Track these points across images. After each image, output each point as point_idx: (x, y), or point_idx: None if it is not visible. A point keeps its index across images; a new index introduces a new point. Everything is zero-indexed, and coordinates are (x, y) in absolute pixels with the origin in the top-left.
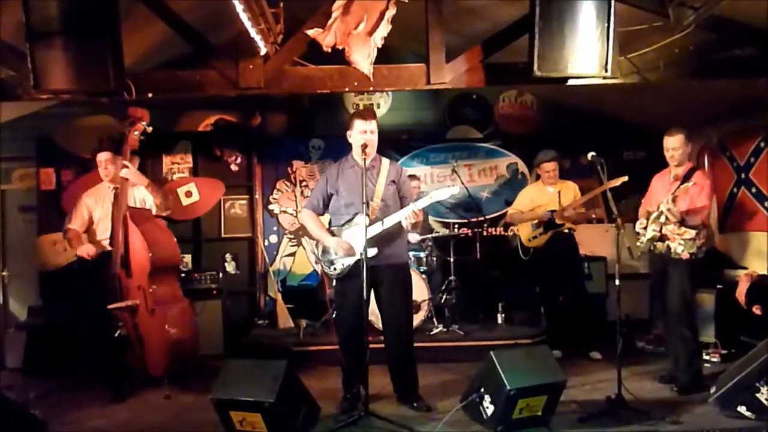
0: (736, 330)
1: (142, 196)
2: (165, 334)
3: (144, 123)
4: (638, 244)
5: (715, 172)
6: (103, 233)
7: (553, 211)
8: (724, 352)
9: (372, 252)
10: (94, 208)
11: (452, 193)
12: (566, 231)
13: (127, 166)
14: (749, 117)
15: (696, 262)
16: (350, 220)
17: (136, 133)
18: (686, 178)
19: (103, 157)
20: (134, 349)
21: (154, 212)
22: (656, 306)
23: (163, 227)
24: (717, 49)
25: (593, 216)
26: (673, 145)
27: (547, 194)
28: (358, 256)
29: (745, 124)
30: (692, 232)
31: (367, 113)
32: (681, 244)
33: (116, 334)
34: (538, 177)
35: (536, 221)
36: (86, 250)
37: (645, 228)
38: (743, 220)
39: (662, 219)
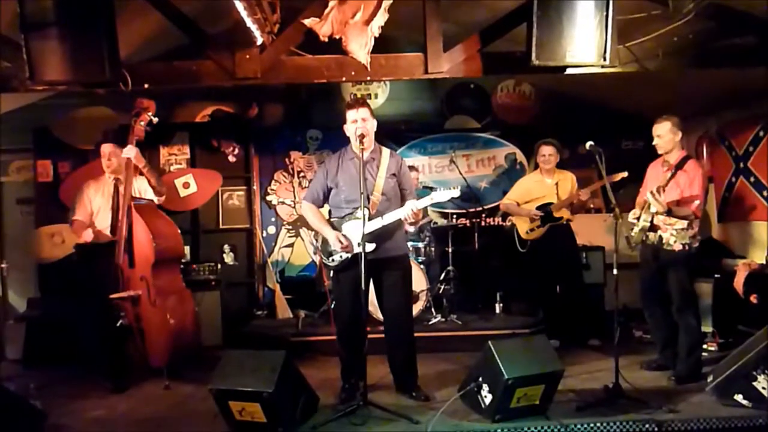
0: (734, 319)
1: (140, 186)
2: (167, 325)
3: (150, 113)
4: (632, 234)
5: (713, 162)
6: (102, 223)
7: (549, 204)
8: (721, 341)
9: (370, 247)
10: (94, 198)
11: (453, 195)
12: (564, 223)
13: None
14: (748, 106)
15: (690, 253)
16: (350, 214)
17: (142, 123)
18: (678, 167)
19: (106, 149)
20: (135, 339)
21: (156, 201)
22: (646, 296)
23: (167, 218)
24: (716, 37)
25: (591, 206)
26: (659, 132)
27: (545, 186)
28: (356, 249)
29: (744, 114)
30: (683, 223)
31: (355, 102)
32: (673, 234)
33: (118, 324)
34: (536, 167)
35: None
36: (87, 235)
37: (638, 218)
38: (742, 210)
39: (652, 209)
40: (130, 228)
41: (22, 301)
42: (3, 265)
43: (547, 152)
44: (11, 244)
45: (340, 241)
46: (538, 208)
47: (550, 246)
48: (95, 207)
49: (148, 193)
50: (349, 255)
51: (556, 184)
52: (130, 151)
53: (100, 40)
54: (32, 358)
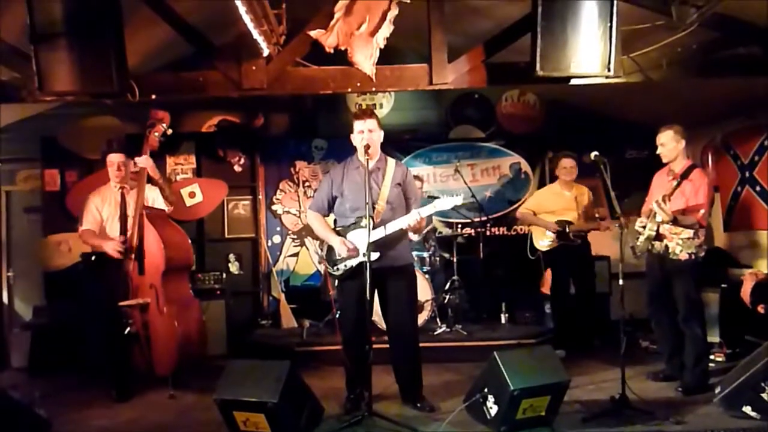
0: (741, 329)
1: (149, 195)
2: (174, 334)
3: (164, 125)
4: (637, 243)
5: (719, 171)
6: (111, 233)
7: (568, 223)
8: (728, 351)
9: (375, 256)
10: (102, 208)
11: (456, 203)
12: (578, 243)
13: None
14: (753, 115)
15: (697, 263)
16: (355, 223)
17: (156, 134)
18: (684, 176)
19: (115, 158)
20: (142, 347)
21: (166, 210)
22: (652, 306)
23: (177, 227)
24: (720, 47)
25: (598, 216)
26: (662, 140)
27: (564, 198)
28: (361, 257)
29: (749, 123)
30: (690, 232)
31: (363, 113)
32: (679, 244)
33: (126, 332)
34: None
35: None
36: (114, 247)
37: (644, 227)
38: (748, 219)
39: (658, 218)
40: (141, 236)
41: (28, 308)
42: (10, 273)
43: (569, 165)
44: (18, 253)
45: (346, 246)
46: (558, 222)
47: (565, 254)
48: (104, 216)
49: (157, 202)
50: (354, 263)
51: (575, 197)
52: (147, 161)
53: (108, 51)
54: (37, 367)
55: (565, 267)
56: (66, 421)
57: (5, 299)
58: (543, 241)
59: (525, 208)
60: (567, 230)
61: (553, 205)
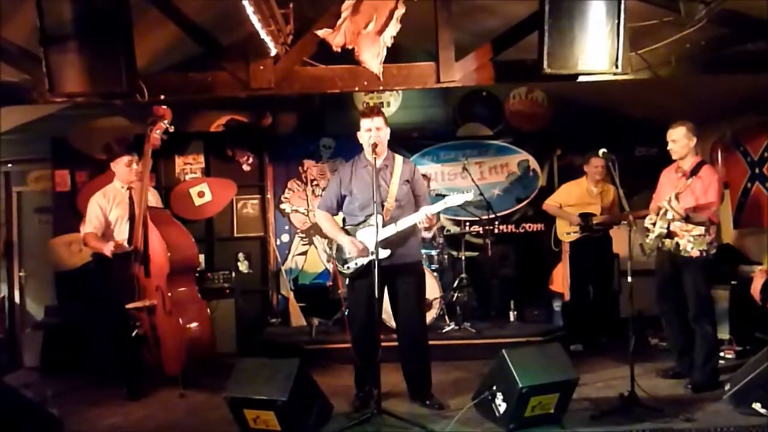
0: (751, 326)
1: (151, 197)
2: (182, 335)
3: (166, 122)
4: (647, 240)
5: (728, 167)
6: (121, 234)
7: (590, 215)
8: (738, 348)
9: (384, 254)
10: (108, 209)
11: (466, 199)
12: (600, 235)
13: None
14: (763, 112)
15: (708, 260)
16: (364, 221)
17: (158, 132)
18: (693, 173)
19: (129, 158)
20: (151, 348)
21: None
22: (662, 304)
23: (182, 228)
24: (729, 43)
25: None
26: (673, 137)
27: (590, 193)
28: (371, 257)
29: (758, 119)
30: (701, 229)
31: (370, 110)
32: (690, 241)
33: (133, 334)
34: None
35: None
36: (109, 248)
37: (654, 224)
38: (758, 216)
39: (669, 215)
40: (146, 238)
41: (39, 308)
42: (21, 274)
43: (600, 164)
44: (29, 253)
45: (356, 246)
46: (580, 215)
47: (588, 248)
48: (112, 218)
49: (156, 203)
50: (365, 262)
51: (600, 193)
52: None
53: (117, 52)
54: (49, 366)
55: (586, 261)
56: (78, 420)
57: (17, 299)
58: (567, 232)
59: (552, 201)
60: (589, 222)
61: (578, 199)
